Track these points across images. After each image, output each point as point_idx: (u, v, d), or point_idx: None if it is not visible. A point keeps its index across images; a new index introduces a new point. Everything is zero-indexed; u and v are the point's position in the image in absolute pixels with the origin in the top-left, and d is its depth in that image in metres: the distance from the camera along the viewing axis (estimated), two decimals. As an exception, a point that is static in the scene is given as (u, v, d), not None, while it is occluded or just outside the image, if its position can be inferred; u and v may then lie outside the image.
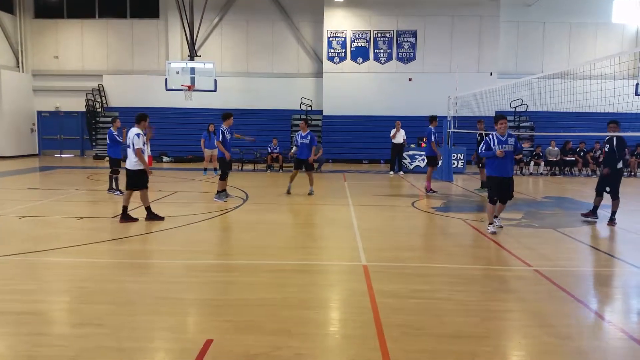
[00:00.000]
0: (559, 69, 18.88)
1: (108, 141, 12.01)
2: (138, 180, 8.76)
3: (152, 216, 8.89)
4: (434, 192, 13.00)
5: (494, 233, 8.05)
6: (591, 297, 5.39)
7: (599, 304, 5.15)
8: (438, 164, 14.26)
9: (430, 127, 13.37)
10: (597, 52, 24.04)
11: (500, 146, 7.94)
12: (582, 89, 11.77)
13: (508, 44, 25.31)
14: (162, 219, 8.87)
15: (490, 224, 8.25)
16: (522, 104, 22.21)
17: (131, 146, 8.69)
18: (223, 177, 11.02)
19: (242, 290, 5.30)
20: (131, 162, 8.74)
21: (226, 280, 5.67)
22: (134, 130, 8.77)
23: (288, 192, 12.25)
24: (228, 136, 11.00)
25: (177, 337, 4.17)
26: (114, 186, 12.07)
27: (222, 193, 11.15)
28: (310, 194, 12.21)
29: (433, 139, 13.30)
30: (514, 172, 8.18)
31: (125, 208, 8.75)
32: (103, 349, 3.88)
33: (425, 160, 13.73)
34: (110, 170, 12.17)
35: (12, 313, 4.61)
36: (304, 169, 12.38)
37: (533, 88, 15.67)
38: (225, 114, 11.24)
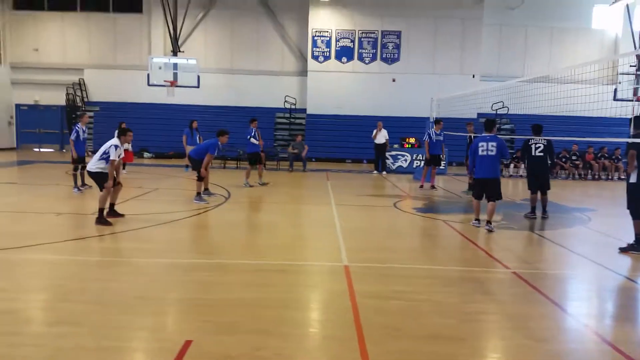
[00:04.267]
0: (540, 73, 19.13)
1: (73, 137, 11.57)
2: (102, 181, 8.27)
3: (102, 221, 8.12)
4: (433, 187, 14.04)
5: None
6: (568, 300, 5.49)
7: (575, 307, 5.24)
8: (439, 163, 15.05)
9: (433, 129, 14.38)
10: (578, 57, 24.36)
11: None
12: (562, 94, 11.96)
13: (491, 46, 25.56)
14: (110, 224, 8.09)
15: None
16: (503, 107, 22.46)
17: (103, 154, 8.27)
18: (200, 179, 10.86)
19: (223, 290, 5.28)
20: (93, 165, 8.36)
21: (207, 280, 5.63)
22: (113, 141, 8.32)
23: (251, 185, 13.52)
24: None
25: (156, 337, 4.14)
26: (79, 182, 11.62)
27: (202, 194, 10.93)
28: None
29: (425, 139, 14.42)
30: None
31: (101, 210, 8.19)
32: (80, 348, 3.84)
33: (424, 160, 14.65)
34: (73, 167, 11.68)
35: (-13, 311, 4.53)
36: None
37: (514, 91, 15.88)
38: (221, 131, 11.39)
